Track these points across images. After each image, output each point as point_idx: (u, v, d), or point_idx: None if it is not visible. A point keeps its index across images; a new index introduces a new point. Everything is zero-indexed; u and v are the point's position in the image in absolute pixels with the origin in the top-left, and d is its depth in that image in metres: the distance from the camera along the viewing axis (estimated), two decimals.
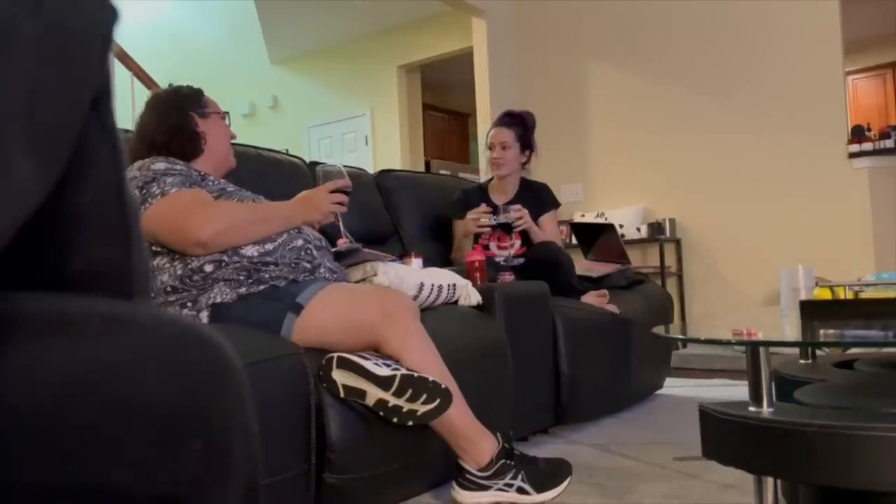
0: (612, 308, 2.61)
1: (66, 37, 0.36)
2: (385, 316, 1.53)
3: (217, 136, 1.85)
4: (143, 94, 4.51)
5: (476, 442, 1.59)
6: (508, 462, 1.61)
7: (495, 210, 2.66)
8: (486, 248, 2.72)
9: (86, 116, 0.39)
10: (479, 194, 2.89)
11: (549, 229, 2.79)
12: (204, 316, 1.56)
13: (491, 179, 2.95)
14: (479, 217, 2.62)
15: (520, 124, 2.80)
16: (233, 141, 1.92)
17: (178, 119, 1.78)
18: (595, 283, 2.78)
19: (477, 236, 2.72)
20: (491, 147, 2.81)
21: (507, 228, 2.69)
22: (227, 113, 1.92)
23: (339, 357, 1.44)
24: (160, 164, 1.65)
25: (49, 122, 0.35)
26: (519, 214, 2.62)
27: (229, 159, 1.89)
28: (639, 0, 4.85)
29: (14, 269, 0.40)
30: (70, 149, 0.38)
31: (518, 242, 2.74)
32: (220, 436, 0.39)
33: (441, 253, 2.90)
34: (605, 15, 5.01)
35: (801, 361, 1.69)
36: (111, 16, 0.39)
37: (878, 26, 6.43)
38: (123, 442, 0.34)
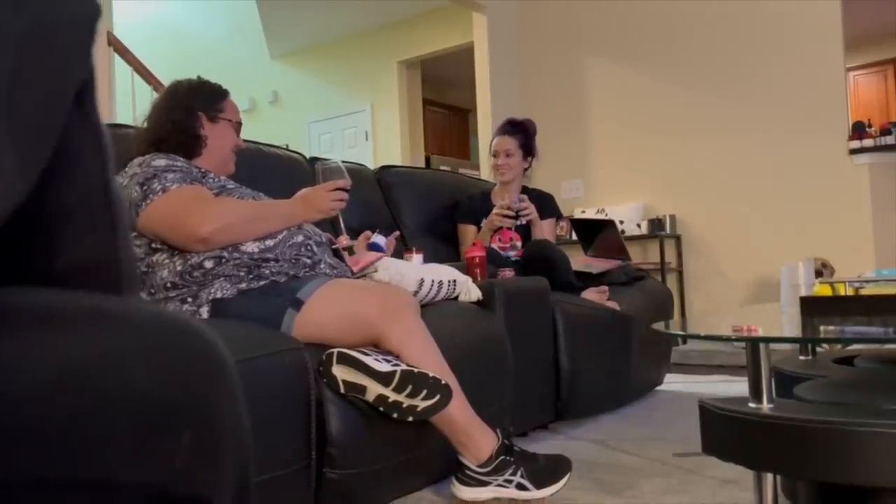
0: (613, 304, 2.62)
1: (48, 32, 0.36)
2: (385, 311, 1.53)
3: (219, 142, 1.83)
4: (143, 90, 4.52)
5: (476, 438, 1.59)
6: (508, 458, 1.61)
7: (516, 217, 2.79)
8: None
9: (69, 111, 0.39)
10: (483, 201, 2.99)
11: (544, 234, 2.86)
12: (204, 311, 1.56)
13: (494, 186, 3.09)
14: (503, 211, 2.75)
15: (522, 132, 2.94)
16: (237, 150, 1.90)
17: (184, 117, 1.77)
18: (595, 279, 2.78)
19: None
20: (495, 154, 2.95)
21: (515, 218, 2.80)
22: (240, 124, 1.90)
23: (339, 352, 1.44)
24: (160, 161, 1.65)
25: (31, 117, 0.35)
26: (526, 204, 2.75)
27: (228, 167, 1.87)
28: None
29: (1, 265, 0.40)
30: (53, 144, 0.38)
31: (519, 244, 2.79)
32: (209, 428, 0.39)
33: (441, 249, 2.90)
34: (605, 11, 5.00)
35: (801, 358, 1.69)
36: (93, 10, 0.39)
37: (879, 22, 6.42)
38: (112, 434, 0.34)
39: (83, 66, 0.39)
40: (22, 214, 0.36)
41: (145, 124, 1.81)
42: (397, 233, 2.32)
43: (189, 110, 1.78)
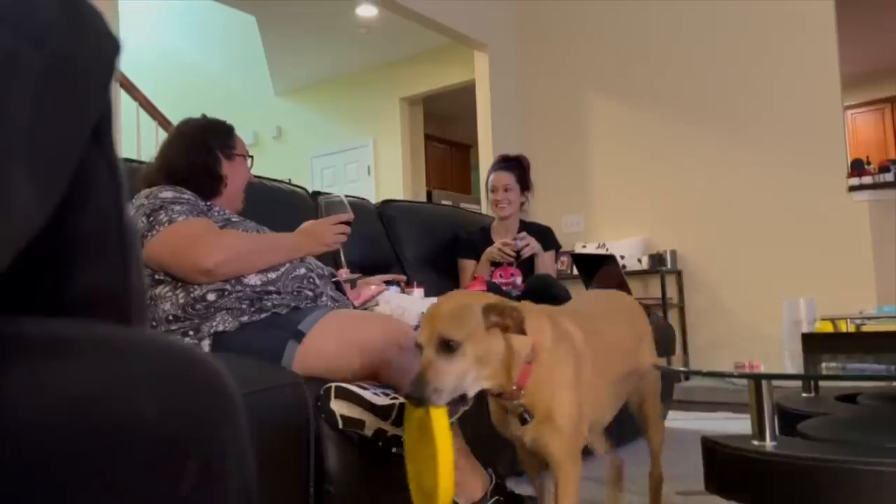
0: None
1: (69, 67, 0.37)
2: (388, 337, 1.53)
3: (236, 180, 1.84)
4: (149, 124, 4.57)
5: (469, 477, 1.56)
6: (501, 499, 1.58)
7: (517, 256, 2.81)
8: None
9: (86, 144, 0.40)
10: (482, 236, 3.01)
11: (546, 266, 2.88)
12: (206, 344, 1.55)
13: (492, 221, 3.12)
14: (505, 246, 2.78)
15: (517, 167, 3.00)
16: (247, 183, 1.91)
17: (206, 158, 1.78)
18: None
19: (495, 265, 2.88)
20: (494, 190, 2.97)
21: (516, 258, 2.82)
22: (252, 157, 1.92)
23: (337, 387, 1.43)
24: (168, 193, 1.66)
25: (49, 149, 0.36)
26: (526, 242, 2.77)
27: (237, 203, 1.89)
28: (640, 34, 4.92)
29: (13, 294, 0.40)
30: (70, 175, 0.38)
31: (519, 280, 2.79)
32: (215, 459, 0.39)
33: (442, 283, 2.90)
34: (605, 48, 5.08)
35: (805, 395, 1.68)
36: (113, 46, 0.40)
37: (877, 62, 6.51)
38: (117, 464, 0.34)
39: (102, 101, 0.40)
40: (37, 244, 0.37)
41: (148, 161, 1.81)
42: (403, 277, 2.30)
43: (209, 150, 1.79)
